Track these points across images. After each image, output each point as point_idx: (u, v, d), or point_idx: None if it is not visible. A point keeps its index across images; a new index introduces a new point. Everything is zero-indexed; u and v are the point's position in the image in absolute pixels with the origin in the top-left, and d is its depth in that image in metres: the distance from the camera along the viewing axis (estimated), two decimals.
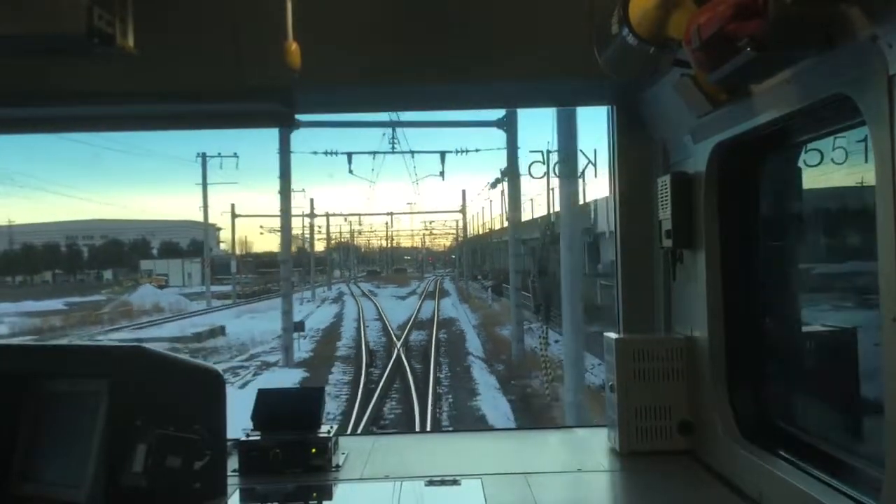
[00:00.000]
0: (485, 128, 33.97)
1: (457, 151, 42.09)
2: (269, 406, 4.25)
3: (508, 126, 31.75)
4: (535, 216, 50.86)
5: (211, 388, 3.58)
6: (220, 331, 43.81)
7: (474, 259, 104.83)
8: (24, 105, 4.05)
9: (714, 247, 3.85)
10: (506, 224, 40.63)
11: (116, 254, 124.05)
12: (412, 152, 46.48)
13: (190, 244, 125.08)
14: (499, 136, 33.27)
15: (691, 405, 4.15)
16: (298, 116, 4.30)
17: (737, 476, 3.59)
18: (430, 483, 3.80)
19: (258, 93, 3.91)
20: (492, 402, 22.84)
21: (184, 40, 3.86)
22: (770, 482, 3.28)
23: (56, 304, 67.41)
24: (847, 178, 3.51)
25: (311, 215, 42.01)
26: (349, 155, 41.15)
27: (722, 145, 3.69)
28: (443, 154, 42.26)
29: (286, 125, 4.30)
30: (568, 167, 22.37)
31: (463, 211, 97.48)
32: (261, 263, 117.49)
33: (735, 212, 3.86)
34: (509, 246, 35.12)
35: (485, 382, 26.02)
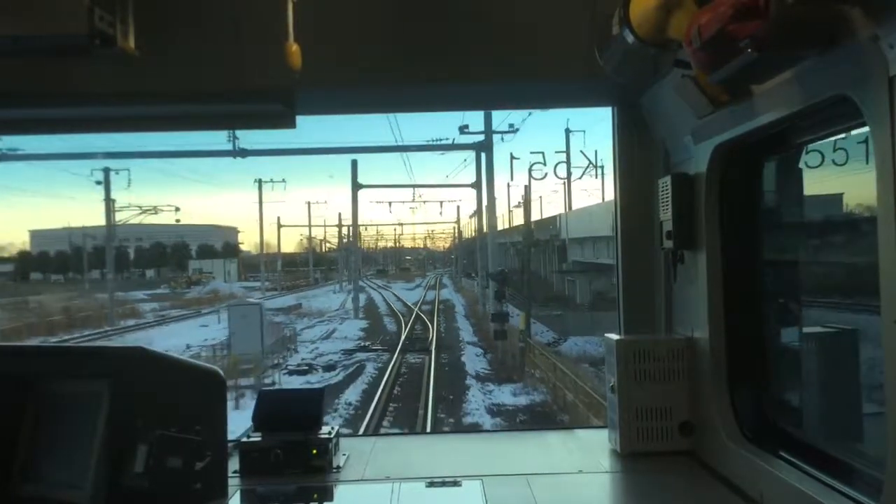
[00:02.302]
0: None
1: (449, 201, 68.91)
2: (269, 407, 4.25)
3: (478, 186, 51.13)
4: (515, 223, 76.05)
5: (212, 388, 3.58)
6: (299, 306, 69.48)
7: (472, 259, 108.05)
8: (24, 106, 4.05)
9: (715, 248, 3.85)
10: (499, 228, 66.67)
11: (160, 255, 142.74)
12: (424, 201, 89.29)
13: (224, 246, 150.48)
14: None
15: (692, 406, 4.15)
16: (300, 117, 4.30)
17: (738, 477, 3.59)
18: (431, 484, 3.80)
19: (259, 94, 3.91)
20: (464, 325, 54.77)
21: (184, 42, 3.85)
22: (771, 483, 3.28)
23: (137, 294, 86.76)
24: (847, 180, 3.51)
25: (339, 225, 64.43)
26: (390, 203, 71.09)
27: (723, 146, 3.69)
28: (441, 202, 73.39)
29: (286, 126, 4.30)
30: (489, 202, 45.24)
31: (457, 223, 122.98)
32: (283, 263, 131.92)
33: (736, 213, 3.85)
34: (477, 251, 59.56)
35: (462, 321, 57.82)
